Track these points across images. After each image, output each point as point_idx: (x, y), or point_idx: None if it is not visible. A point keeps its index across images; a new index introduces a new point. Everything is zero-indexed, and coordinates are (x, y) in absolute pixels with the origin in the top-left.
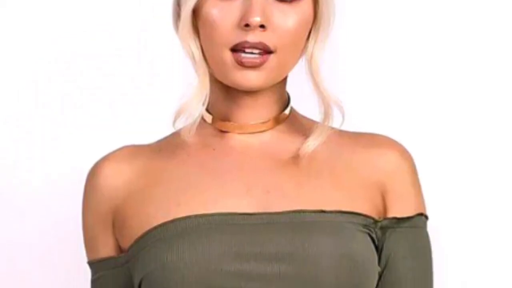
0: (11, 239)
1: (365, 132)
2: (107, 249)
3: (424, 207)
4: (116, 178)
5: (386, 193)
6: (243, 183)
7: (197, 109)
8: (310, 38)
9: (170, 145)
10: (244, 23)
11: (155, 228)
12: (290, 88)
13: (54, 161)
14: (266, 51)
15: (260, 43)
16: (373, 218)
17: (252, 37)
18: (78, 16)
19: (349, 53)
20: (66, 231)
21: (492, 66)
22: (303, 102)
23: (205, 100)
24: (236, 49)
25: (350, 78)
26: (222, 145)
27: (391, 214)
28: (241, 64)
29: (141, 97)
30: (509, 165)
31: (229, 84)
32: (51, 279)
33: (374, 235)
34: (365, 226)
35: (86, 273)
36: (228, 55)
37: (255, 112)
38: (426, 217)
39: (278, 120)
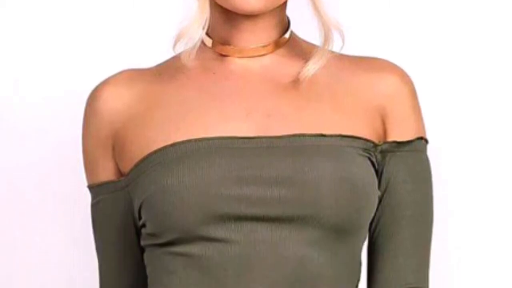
0: (10, 162)
1: (366, 56)
2: (107, 173)
3: (424, 131)
4: (116, 102)
5: (386, 117)
6: (243, 107)
7: (197, 33)
8: None
9: (170, 69)
10: None
11: (155, 152)
12: (290, 12)
13: (54, 84)
14: None
15: None
16: (373, 142)
17: None
18: None
19: None
20: (66, 155)
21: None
22: (303, 26)
23: (205, 24)
24: None
25: (350, 1)
26: (222, 69)
27: (391, 138)
28: None
29: (140, 21)
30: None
31: (229, 8)
32: (50, 202)
33: (374, 159)
34: (365, 150)
35: (86, 197)
36: None
37: (255, 36)
38: (426, 141)
39: (278, 44)
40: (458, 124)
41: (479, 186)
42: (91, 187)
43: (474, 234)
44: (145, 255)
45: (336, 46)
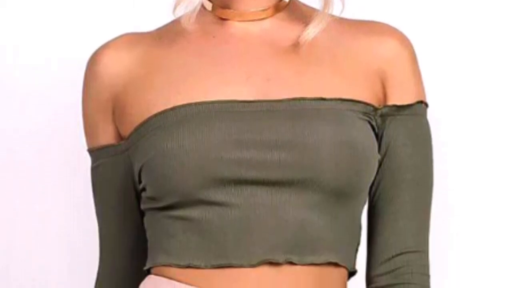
0: (11, 128)
1: (366, 20)
2: (107, 137)
3: (424, 95)
4: (116, 66)
5: (386, 81)
6: (243, 70)
7: None
8: None
9: (170, 33)
10: None
11: (155, 115)
12: None
13: (54, 48)
14: None
15: None
16: (373, 106)
17: None
18: None
19: None
20: (66, 119)
21: None
22: None
23: None
24: None
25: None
26: (222, 32)
27: (391, 101)
28: None
29: None
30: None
31: None
32: (51, 167)
33: (374, 123)
34: (365, 113)
35: (86, 161)
36: None
37: None
38: (426, 105)
39: (278, 7)
40: (458, 88)
41: (478, 150)
42: (91, 151)
43: (474, 200)
44: (145, 219)
45: (336, 10)
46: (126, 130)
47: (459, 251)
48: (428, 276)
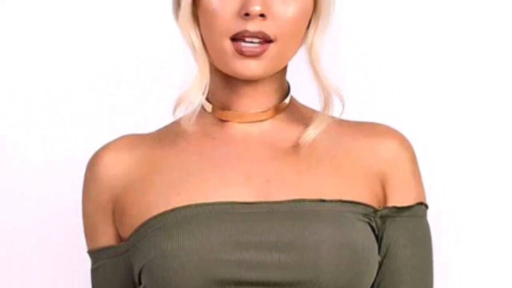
0: (10, 227)
1: (365, 121)
2: (107, 238)
3: (424, 196)
4: (116, 167)
5: (386, 182)
6: (243, 172)
7: (197, 98)
8: (310, 27)
9: (170, 134)
10: (244, 12)
11: (155, 217)
12: (290, 77)
13: (54, 148)
14: (266, 40)
15: (260, 32)
16: (373, 207)
17: (252, 26)
18: (78, 11)
19: (349, 41)
20: (66, 219)
21: (487, 51)
22: (303, 91)
23: (205, 89)
24: (236, 38)
25: (350, 67)
26: (222, 134)
27: (391, 203)
28: (241, 53)
29: (140, 87)
30: (509, 153)
31: (229, 73)
32: (51, 268)
33: (374, 224)
34: (365, 215)
35: (86, 262)
36: (228, 44)
37: (255, 101)
38: (426, 206)
39: (278, 109)
40: (458, 189)
41: (479, 253)
42: (91, 252)
43: None
44: None
45: (336, 111)
46: (126, 231)
47: None
48: None
